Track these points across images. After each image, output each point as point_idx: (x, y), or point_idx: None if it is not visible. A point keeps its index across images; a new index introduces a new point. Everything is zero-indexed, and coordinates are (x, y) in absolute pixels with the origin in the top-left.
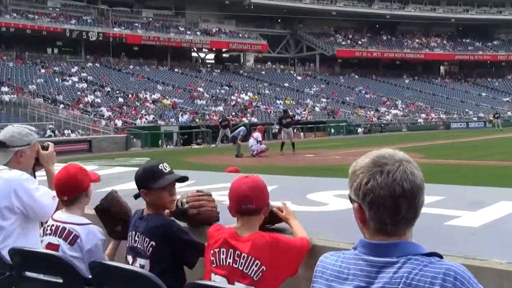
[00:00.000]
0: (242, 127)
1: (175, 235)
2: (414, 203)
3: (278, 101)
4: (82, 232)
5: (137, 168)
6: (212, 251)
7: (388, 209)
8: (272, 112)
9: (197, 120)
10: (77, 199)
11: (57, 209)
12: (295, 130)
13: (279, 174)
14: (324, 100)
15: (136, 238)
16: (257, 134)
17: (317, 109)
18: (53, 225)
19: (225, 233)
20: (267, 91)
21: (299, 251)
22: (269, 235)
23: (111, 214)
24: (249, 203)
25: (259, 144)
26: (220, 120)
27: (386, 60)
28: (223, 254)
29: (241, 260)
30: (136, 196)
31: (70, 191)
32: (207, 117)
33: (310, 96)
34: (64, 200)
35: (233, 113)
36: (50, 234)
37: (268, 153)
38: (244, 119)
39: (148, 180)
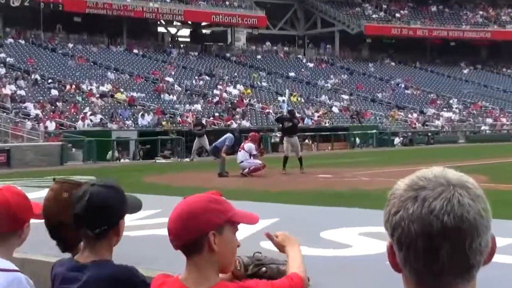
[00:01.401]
0: (229, 135)
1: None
2: (463, 247)
3: (280, 98)
4: (1, 279)
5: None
6: None
7: (420, 252)
8: (271, 113)
9: (164, 123)
10: (7, 237)
11: None
12: (307, 140)
13: (281, 201)
14: (346, 97)
15: None
16: (249, 145)
17: (335, 109)
18: None
19: None
20: (264, 84)
21: None
22: (236, 286)
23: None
24: (177, 238)
25: (252, 158)
26: (193, 124)
27: (435, 40)
28: None
29: None
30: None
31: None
32: (179, 119)
33: (326, 91)
34: None
35: (216, 114)
36: None
37: (265, 171)
38: (231, 122)
39: (119, 209)
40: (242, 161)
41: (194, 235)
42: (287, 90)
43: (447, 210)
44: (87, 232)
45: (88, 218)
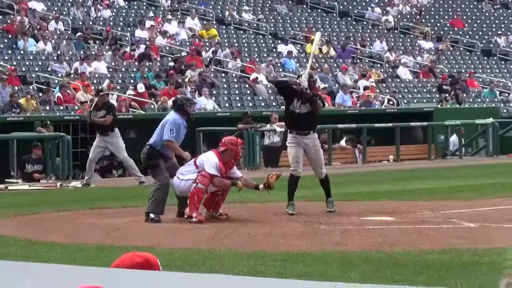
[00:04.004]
0: (170, 118)
1: None
2: None
3: (282, 46)
4: None
5: None
6: None
7: None
8: (262, 81)
9: (24, 102)
10: None
11: None
12: (342, 141)
13: (286, 276)
14: (426, 44)
15: None
16: (209, 156)
17: (403, 73)
18: None
19: None
20: (247, 16)
21: None
22: None
23: None
24: None
25: (191, 173)
26: (90, 106)
27: None
28: None
29: None
30: None
31: None
32: (58, 94)
33: (383, 31)
34: None
35: (141, 86)
36: None
37: (254, 210)
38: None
39: None
40: (183, 179)
41: None
42: (318, 34)
43: None
44: None
45: None
